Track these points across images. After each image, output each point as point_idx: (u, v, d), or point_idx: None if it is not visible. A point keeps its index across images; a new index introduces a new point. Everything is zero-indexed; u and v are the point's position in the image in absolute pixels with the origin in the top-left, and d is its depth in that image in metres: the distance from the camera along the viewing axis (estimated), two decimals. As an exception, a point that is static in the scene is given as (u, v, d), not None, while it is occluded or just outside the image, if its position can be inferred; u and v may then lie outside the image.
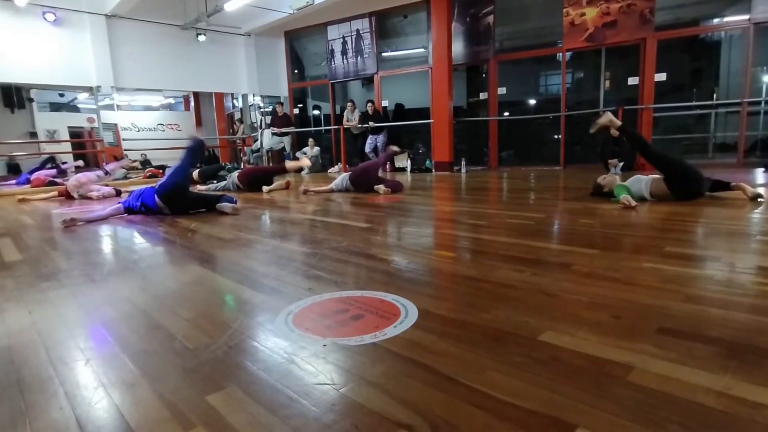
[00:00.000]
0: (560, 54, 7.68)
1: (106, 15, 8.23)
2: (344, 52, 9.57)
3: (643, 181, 3.37)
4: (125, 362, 1.09)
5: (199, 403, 0.90)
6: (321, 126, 10.79)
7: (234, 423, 0.83)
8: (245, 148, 10.74)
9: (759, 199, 3.09)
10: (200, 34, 9.26)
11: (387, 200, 4.19)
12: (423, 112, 8.70)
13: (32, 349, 1.20)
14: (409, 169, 8.38)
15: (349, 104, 8.98)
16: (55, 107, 13.67)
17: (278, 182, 5.60)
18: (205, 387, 0.96)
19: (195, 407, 0.88)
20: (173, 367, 1.06)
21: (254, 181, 5.46)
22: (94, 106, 8.91)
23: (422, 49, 8.96)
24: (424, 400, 0.88)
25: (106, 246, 2.60)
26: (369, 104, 8.69)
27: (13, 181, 7.25)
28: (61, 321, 1.39)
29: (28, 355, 1.16)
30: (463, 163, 7.57)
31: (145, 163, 11.52)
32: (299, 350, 1.12)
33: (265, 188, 5.31)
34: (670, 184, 3.23)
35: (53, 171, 7.09)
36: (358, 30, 9.29)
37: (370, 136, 8.69)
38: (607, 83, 7.73)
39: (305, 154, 9.24)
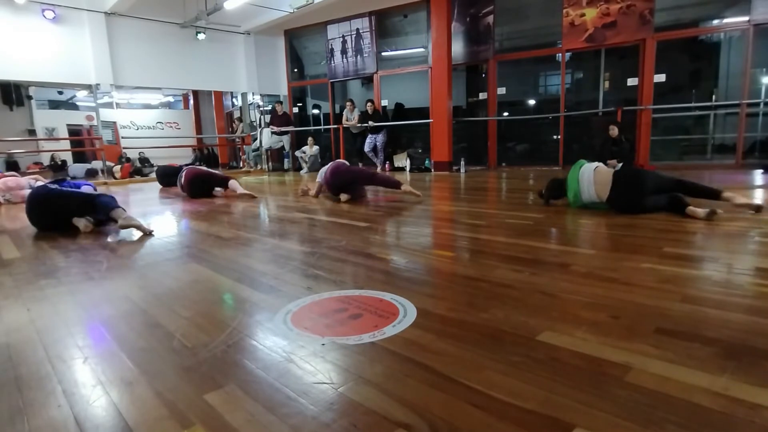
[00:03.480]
0: (560, 54, 7.68)
1: (105, 13, 8.21)
2: (344, 52, 9.57)
3: (587, 174, 3.07)
4: (123, 360, 1.09)
5: (197, 401, 0.90)
6: (320, 125, 10.78)
7: (232, 421, 0.83)
8: (244, 146, 10.73)
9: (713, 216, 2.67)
10: (200, 33, 9.24)
11: (386, 199, 4.19)
12: (422, 112, 8.70)
13: (30, 346, 1.19)
14: (408, 168, 8.38)
15: (348, 103, 8.97)
16: (54, 105, 13.64)
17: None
18: (203, 385, 0.96)
19: (193, 406, 0.88)
20: (172, 365, 1.06)
21: (197, 185, 4.99)
22: (93, 104, 8.89)
23: (422, 49, 8.96)
24: (423, 400, 0.88)
25: (105, 244, 2.59)
26: (368, 103, 8.69)
27: None
28: (60, 319, 1.39)
29: (27, 352, 1.16)
30: (462, 162, 7.57)
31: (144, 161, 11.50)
32: (298, 349, 1.12)
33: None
34: (616, 183, 2.93)
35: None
36: (357, 29, 9.28)
37: (370, 136, 8.69)
38: (607, 84, 7.73)
39: (305, 153, 9.23)
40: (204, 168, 5.04)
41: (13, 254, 2.36)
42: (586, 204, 3.13)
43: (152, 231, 2.75)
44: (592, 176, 3.05)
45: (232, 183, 4.95)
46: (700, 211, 2.67)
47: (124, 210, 2.86)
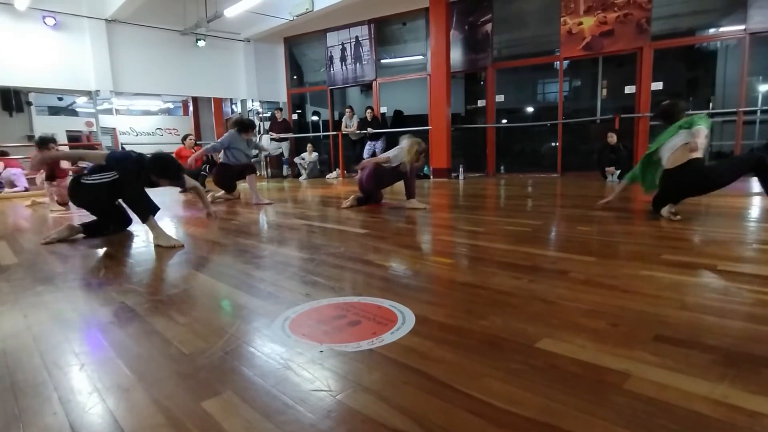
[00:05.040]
0: (558, 62, 7.73)
1: (105, 20, 8.25)
2: (343, 59, 9.62)
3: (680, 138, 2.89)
4: (120, 367, 1.09)
5: (194, 408, 0.89)
6: (320, 132, 10.81)
7: (229, 429, 0.82)
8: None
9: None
10: (200, 40, 9.29)
11: (385, 206, 4.19)
12: (421, 119, 8.73)
13: (27, 353, 1.19)
14: (407, 175, 8.39)
15: (347, 110, 9.01)
16: (54, 111, 13.64)
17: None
18: (200, 392, 0.95)
19: (190, 413, 0.88)
20: (169, 372, 1.05)
21: (223, 179, 5.21)
22: (93, 110, 8.91)
23: (421, 57, 9.01)
24: (421, 407, 0.87)
25: (102, 250, 2.59)
26: (368, 110, 8.72)
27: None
28: (57, 325, 1.39)
29: (23, 359, 1.15)
30: (460, 169, 7.59)
31: None
32: (296, 356, 1.12)
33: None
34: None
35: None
36: (357, 37, 9.34)
37: (369, 142, 8.72)
38: (604, 91, 7.78)
39: (303, 159, 9.25)
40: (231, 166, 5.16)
41: (10, 260, 2.35)
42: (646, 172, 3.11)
43: (183, 245, 2.60)
44: (678, 143, 2.92)
45: (250, 179, 4.92)
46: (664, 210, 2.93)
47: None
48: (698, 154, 2.87)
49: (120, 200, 2.98)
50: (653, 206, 3.11)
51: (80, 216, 3.27)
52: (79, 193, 2.89)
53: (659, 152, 3.07)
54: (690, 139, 2.86)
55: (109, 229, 3.07)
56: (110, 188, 2.78)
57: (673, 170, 2.92)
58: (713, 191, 3.01)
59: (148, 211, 2.66)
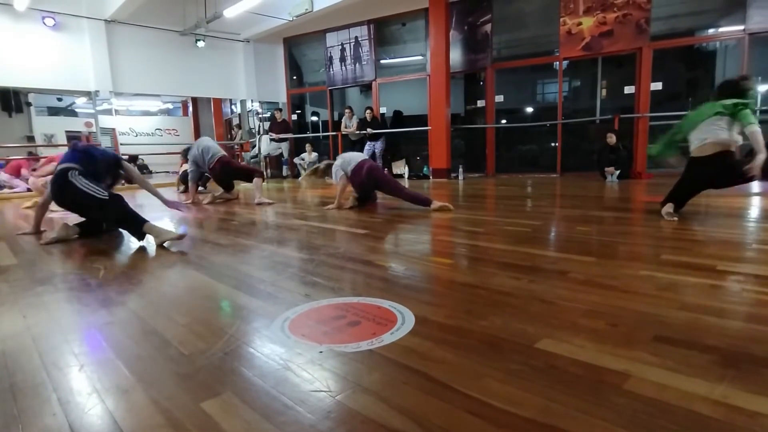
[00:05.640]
0: (557, 62, 7.73)
1: (105, 20, 8.25)
2: (343, 59, 9.62)
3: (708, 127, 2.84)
4: (120, 368, 1.09)
5: (194, 409, 0.89)
6: (319, 132, 10.82)
7: (229, 430, 0.82)
8: (243, 153, 10.74)
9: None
10: (199, 40, 9.29)
11: (384, 206, 4.19)
12: (421, 119, 8.73)
13: (26, 353, 1.19)
14: (406, 175, 8.40)
15: (347, 111, 9.01)
16: (53, 111, 13.66)
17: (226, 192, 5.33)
18: (200, 393, 0.95)
19: (190, 414, 0.88)
20: (168, 373, 1.05)
21: (226, 176, 5.18)
22: (92, 111, 8.91)
23: (420, 57, 9.01)
24: (421, 407, 0.87)
25: (102, 251, 2.59)
26: (367, 111, 8.73)
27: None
28: (56, 326, 1.38)
29: (22, 360, 1.15)
30: (460, 170, 7.59)
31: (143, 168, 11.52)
32: (295, 357, 1.12)
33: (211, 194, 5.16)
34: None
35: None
36: (356, 37, 9.34)
37: (368, 143, 8.72)
38: (604, 92, 7.78)
39: (303, 159, 9.25)
40: (235, 162, 5.16)
41: (9, 260, 2.35)
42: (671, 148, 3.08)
43: (184, 234, 2.63)
44: (709, 138, 2.88)
45: (257, 181, 4.93)
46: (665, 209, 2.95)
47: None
48: (732, 149, 2.88)
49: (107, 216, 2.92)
50: (670, 197, 3.00)
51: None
52: (66, 191, 2.73)
53: (688, 136, 2.98)
54: (739, 135, 2.81)
55: (104, 228, 3.08)
56: (99, 203, 2.70)
57: (701, 158, 2.86)
58: (734, 186, 3.02)
59: (139, 223, 2.65)
